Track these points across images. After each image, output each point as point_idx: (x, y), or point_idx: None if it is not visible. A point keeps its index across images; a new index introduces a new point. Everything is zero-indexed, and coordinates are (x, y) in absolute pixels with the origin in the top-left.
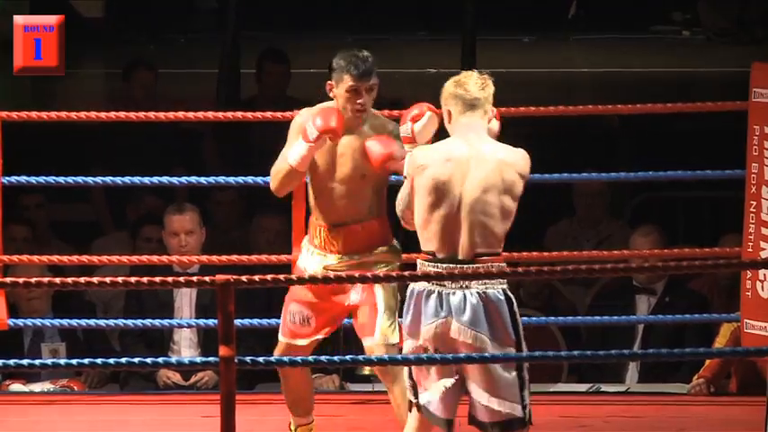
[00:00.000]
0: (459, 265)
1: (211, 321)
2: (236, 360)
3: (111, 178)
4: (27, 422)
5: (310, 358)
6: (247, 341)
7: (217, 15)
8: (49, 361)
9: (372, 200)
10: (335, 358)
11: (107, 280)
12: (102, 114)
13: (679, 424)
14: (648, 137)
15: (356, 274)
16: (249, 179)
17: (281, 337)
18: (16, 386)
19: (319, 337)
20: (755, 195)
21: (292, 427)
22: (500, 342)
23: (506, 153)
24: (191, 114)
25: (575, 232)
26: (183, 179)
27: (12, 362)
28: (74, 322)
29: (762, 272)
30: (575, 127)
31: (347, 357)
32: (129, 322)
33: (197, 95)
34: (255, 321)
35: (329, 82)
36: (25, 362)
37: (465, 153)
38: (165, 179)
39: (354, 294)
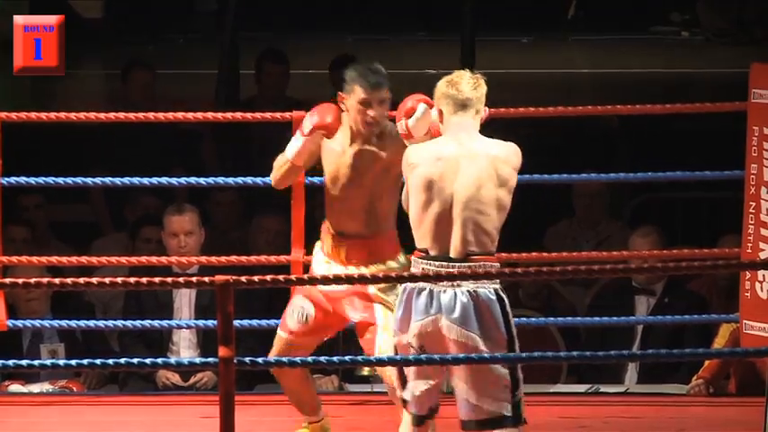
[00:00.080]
0: (450, 264)
1: (211, 322)
2: (235, 361)
3: (111, 179)
4: (26, 423)
5: (309, 359)
6: (246, 342)
7: (216, 16)
8: (48, 362)
9: (381, 213)
10: (334, 359)
11: (106, 280)
12: (102, 115)
13: (678, 425)
14: (647, 137)
15: (355, 275)
16: (248, 180)
17: (278, 331)
18: (15, 387)
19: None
20: (754, 196)
21: (304, 425)
22: (491, 341)
23: (499, 149)
24: (190, 115)
25: (574, 233)
26: (183, 180)
27: (11, 362)
28: (73, 323)
29: (761, 273)
30: (574, 127)
31: (346, 358)
32: (129, 323)
33: (196, 96)
34: (255, 322)
35: (340, 93)
36: (24, 362)
37: (455, 152)
38: (164, 180)
39: (351, 312)
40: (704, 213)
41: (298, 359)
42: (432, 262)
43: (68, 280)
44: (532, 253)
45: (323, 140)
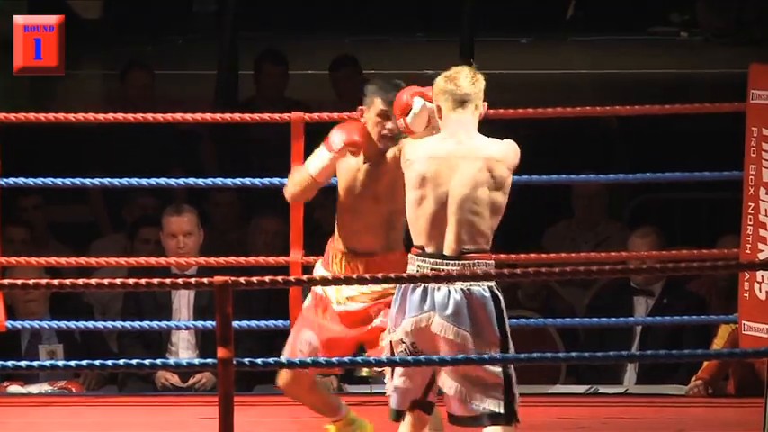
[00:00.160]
0: (444, 261)
1: (209, 323)
2: (234, 362)
3: (109, 180)
4: (25, 423)
5: (308, 359)
6: (245, 342)
7: (215, 17)
8: (47, 362)
9: (388, 231)
10: (333, 360)
11: (105, 281)
12: (100, 116)
13: (677, 425)
14: (647, 138)
15: (354, 276)
16: (247, 181)
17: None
18: (14, 388)
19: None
20: (753, 197)
21: (327, 425)
22: (483, 339)
23: (496, 149)
24: (188, 116)
25: (573, 234)
26: (182, 180)
27: (9, 363)
28: (72, 324)
29: (759, 273)
30: (573, 128)
31: (345, 359)
32: (127, 324)
33: (195, 97)
34: (253, 323)
35: (360, 108)
36: (23, 363)
37: (452, 150)
38: (163, 181)
39: (377, 319)
40: (703, 214)
41: (296, 360)
42: (426, 259)
43: (67, 281)
44: (531, 254)
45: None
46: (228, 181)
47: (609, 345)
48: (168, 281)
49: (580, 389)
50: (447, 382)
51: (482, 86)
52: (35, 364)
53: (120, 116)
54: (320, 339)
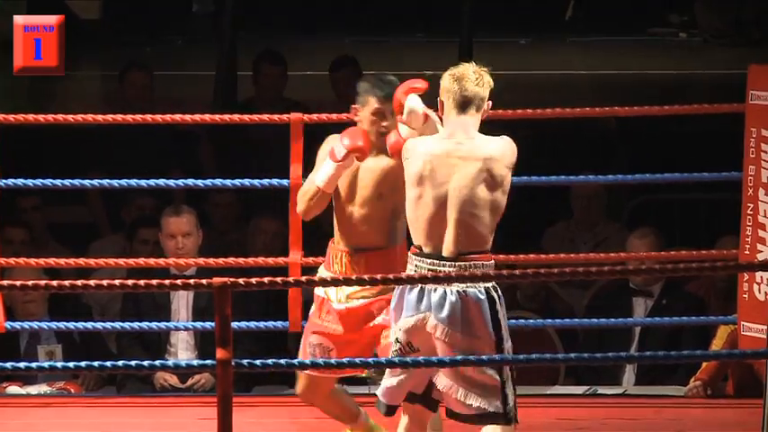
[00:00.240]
0: (442, 262)
1: (208, 324)
2: (233, 363)
3: (108, 181)
4: (24, 424)
5: (307, 361)
6: (244, 343)
7: (214, 17)
8: (45, 364)
9: (392, 225)
10: (332, 361)
11: (104, 282)
12: (99, 117)
13: (676, 426)
14: (645, 139)
15: (353, 277)
16: (246, 181)
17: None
18: (13, 388)
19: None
20: (752, 198)
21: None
22: (479, 340)
23: (494, 148)
24: (187, 117)
25: (572, 234)
26: (180, 181)
27: (8, 364)
28: (71, 325)
29: (758, 274)
30: (572, 129)
31: (344, 360)
32: (126, 325)
33: (194, 97)
34: (253, 324)
35: (354, 106)
36: (22, 364)
37: (451, 150)
38: (162, 182)
39: (379, 317)
40: (702, 215)
41: (295, 361)
42: (424, 260)
43: (66, 282)
44: (530, 254)
45: None
46: (227, 182)
47: (608, 345)
48: (167, 282)
49: (579, 390)
50: (443, 380)
51: (488, 86)
52: (34, 365)
53: (118, 117)
54: (330, 341)
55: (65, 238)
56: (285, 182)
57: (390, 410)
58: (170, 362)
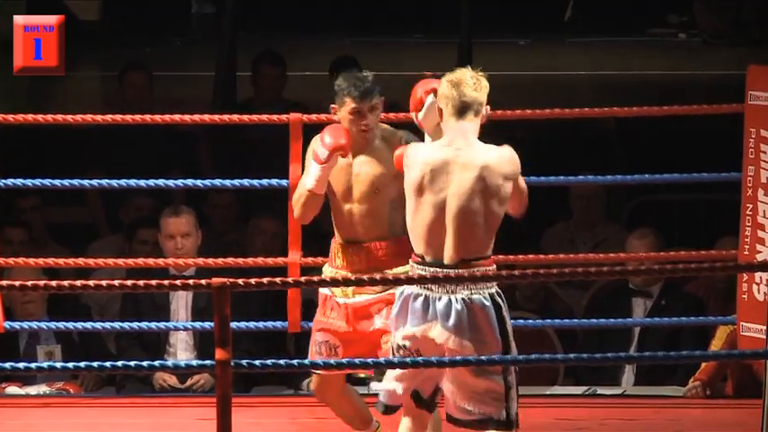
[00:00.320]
0: (444, 270)
1: (207, 324)
2: (232, 363)
3: (108, 181)
4: (23, 425)
5: (306, 361)
6: (243, 344)
7: (213, 18)
8: (45, 364)
9: (391, 217)
10: (331, 361)
11: (103, 283)
12: (98, 117)
13: (675, 426)
14: (645, 139)
15: (353, 277)
16: (245, 182)
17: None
18: (12, 389)
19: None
20: (751, 198)
21: None
22: (486, 347)
23: (491, 156)
24: (186, 117)
25: (571, 235)
26: (180, 182)
27: (8, 365)
28: (70, 325)
29: (758, 275)
30: (571, 129)
31: (343, 360)
32: (126, 325)
33: (193, 98)
34: (252, 324)
35: (333, 106)
36: (21, 365)
37: (450, 157)
38: (161, 182)
39: (378, 319)
40: (701, 215)
41: (294, 362)
42: (426, 268)
43: (65, 282)
44: (529, 255)
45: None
46: (227, 182)
47: (607, 346)
48: (166, 282)
49: (578, 390)
50: (447, 386)
51: (485, 91)
52: (33, 365)
53: (118, 117)
54: (336, 338)
55: (64, 238)
56: (284, 182)
57: (389, 410)
58: (169, 362)
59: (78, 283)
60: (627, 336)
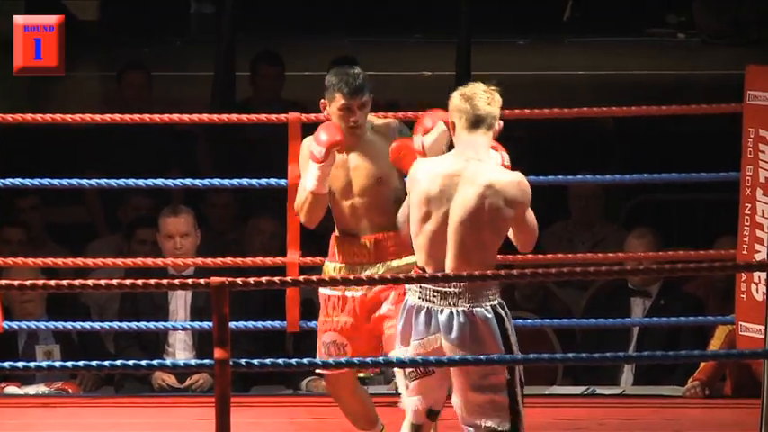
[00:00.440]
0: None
1: (206, 324)
2: (230, 362)
3: (106, 181)
4: (22, 424)
5: (305, 360)
6: (242, 343)
7: (213, 18)
8: (43, 363)
9: (394, 207)
10: (330, 361)
11: (102, 282)
12: (97, 117)
13: (674, 426)
14: (643, 139)
15: (351, 277)
16: (244, 182)
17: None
18: (11, 389)
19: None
20: (750, 198)
21: None
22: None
23: (498, 177)
24: (185, 117)
25: (569, 235)
26: (178, 182)
27: (6, 364)
28: (68, 325)
29: (756, 274)
30: (570, 129)
31: (342, 360)
32: (124, 325)
33: (192, 97)
34: (251, 324)
35: (322, 101)
36: (20, 364)
37: (457, 170)
38: (160, 181)
39: (385, 305)
40: (700, 215)
41: (293, 361)
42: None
43: (64, 282)
44: (528, 254)
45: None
46: (225, 182)
47: (606, 346)
48: (165, 282)
49: (577, 390)
50: (455, 400)
51: (498, 106)
52: (32, 364)
53: (116, 117)
54: (343, 336)
55: (63, 237)
56: (283, 182)
57: (419, 428)
58: (168, 362)
59: (77, 282)
60: (626, 335)
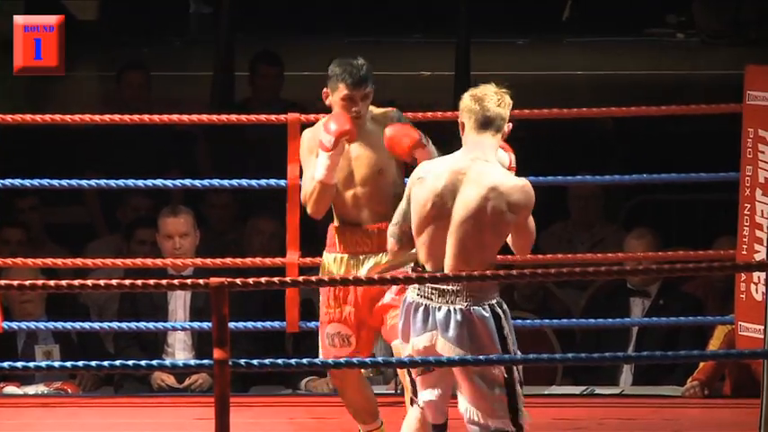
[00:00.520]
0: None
1: (206, 324)
2: (230, 363)
3: (106, 181)
4: (21, 424)
5: (304, 361)
6: (242, 344)
7: (212, 18)
8: (43, 363)
9: (395, 198)
10: (329, 361)
11: (101, 282)
12: (97, 117)
13: (673, 426)
14: (643, 139)
15: (350, 277)
16: (243, 182)
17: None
18: (10, 389)
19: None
20: (749, 198)
21: None
22: None
23: (503, 180)
24: (184, 117)
25: (569, 235)
26: (178, 182)
27: (6, 364)
28: (68, 325)
29: (756, 274)
30: (569, 129)
31: (341, 360)
32: (124, 325)
33: (191, 98)
34: (250, 324)
35: (325, 90)
36: (19, 364)
37: (463, 168)
38: (159, 182)
39: (389, 295)
40: (699, 215)
41: (293, 361)
42: None
43: (63, 282)
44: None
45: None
46: (225, 182)
47: (605, 346)
48: (164, 282)
49: (576, 390)
50: (463, 404)
51: (508, 107)
52: (31, 364)
53: (116, 117)
54: (347, 327)
55: (62, 238)
56: (282, 182)
57: (440, 429)
58: (167, 362)
59: (76, 282)
60: (625, 335)
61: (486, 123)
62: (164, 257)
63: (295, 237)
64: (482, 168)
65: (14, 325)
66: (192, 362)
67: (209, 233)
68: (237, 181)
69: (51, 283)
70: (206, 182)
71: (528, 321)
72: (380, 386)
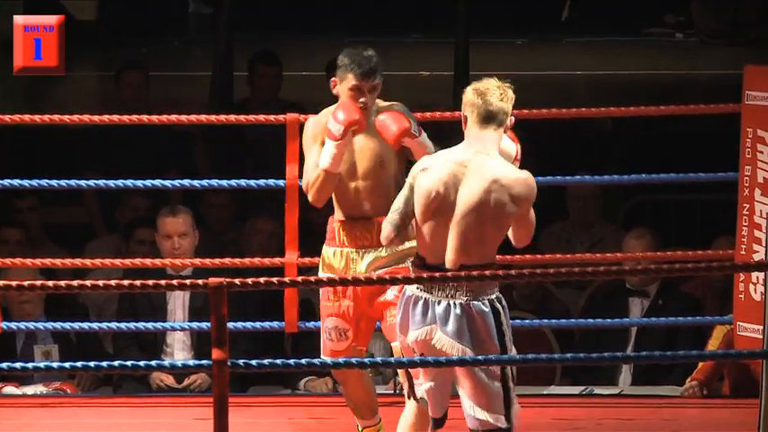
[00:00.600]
0: (444, 274)
1: (204, 324)
2: (229, 363)
3: (104, 181)
4: (20, 424)
5: (303, 361)
6: (240, 344)
7: (211, 18)
8: (41, 364)
9: (396, 192)
10: (329, 361)
11: (100, 283)
12: (95, 117)
13: (672, 426)
14: (641, 139)
15: (349, 273)
16: (242, 182)
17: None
18: (9, 389)
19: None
20: (748, 198)
21: (359, 429)
22: (484, 353)
23: (505, 173)
24: (183, 117)
25: (568, 235)
26: (177, 182)
27: (5, 365)
28: (67, 325)
29: (754, 274)
30: (568, 129)
31: (340, 360)
32: (123, 325)
33: (190, 98)
34: (249, 324)
35: (333, 78)
36: (18, 365)
37: (464, 163)
38: (158, 182)
39: (390, 292)
40: (698, 215)
41: (291, 361)
42: (426, 271)
43: (62, 282)
44: (526, 254)
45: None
46: (223, 182)
47: (604, 346)
48: (163, 282)
49: (575, 390)
50: (464, 400)
51: (510, 102)
52: (30, 365)
53: (114, 117)
54: (345, 321)
55: (61, 238)
56: (281, 182)
57: (439, 423)
58: (166, 362)
59: (75, 283)
60: (624, 335)
61: (488, 117)
62: (162, 257)
63: (294, 237)
64: (483, 161)
65: (13, 325)
66: (191, 362)
67: (208, 233)
68: (236, 181)
69: (50, 283)
70: (205, 182)
71: (527, 321)
72: (380, 386)
